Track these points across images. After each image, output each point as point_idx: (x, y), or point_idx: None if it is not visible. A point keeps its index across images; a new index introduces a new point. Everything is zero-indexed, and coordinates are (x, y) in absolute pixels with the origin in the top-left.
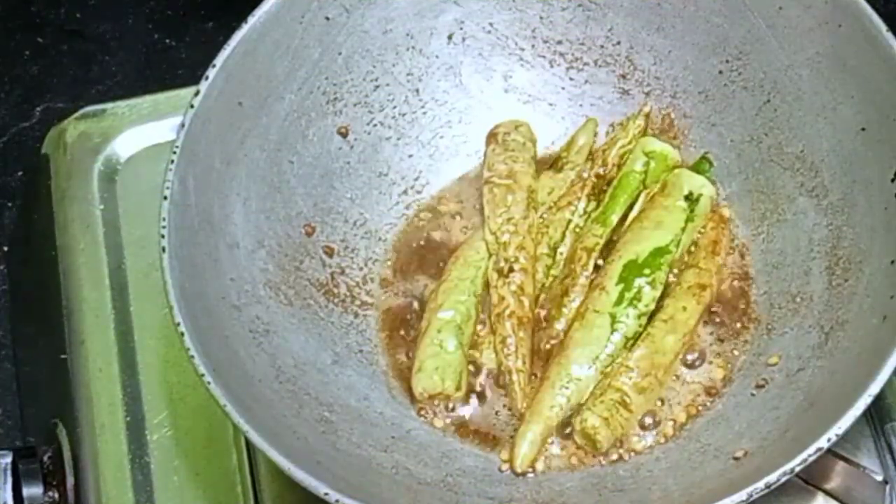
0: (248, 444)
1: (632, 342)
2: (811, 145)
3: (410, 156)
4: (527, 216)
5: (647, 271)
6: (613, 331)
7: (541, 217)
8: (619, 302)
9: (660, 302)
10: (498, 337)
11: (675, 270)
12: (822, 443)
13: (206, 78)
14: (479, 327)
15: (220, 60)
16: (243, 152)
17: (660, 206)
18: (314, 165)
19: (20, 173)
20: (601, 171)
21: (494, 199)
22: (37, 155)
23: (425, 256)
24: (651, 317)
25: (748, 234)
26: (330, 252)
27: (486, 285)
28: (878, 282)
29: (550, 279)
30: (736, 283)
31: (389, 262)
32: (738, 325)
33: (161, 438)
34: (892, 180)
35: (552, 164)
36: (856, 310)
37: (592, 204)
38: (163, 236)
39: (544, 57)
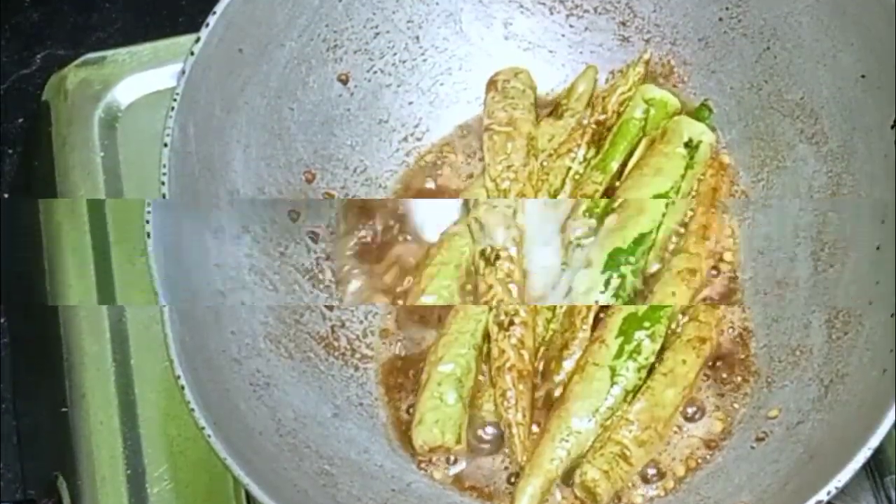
0: (249, 497)
1: (632, 395)
2: (811, 92)
3: (410, 103)
4: (527, 163)
5: (646, 324)
6: (613, 384)
7: (541, 164)
8: (618, 355)
9: (660, 355)
10: (498, 390)
11: (677, 323)
12: (822, 496)
13: (207, 25)
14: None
15: (220, 7)
16: (244, 99)
17: (659, 153)
18: (314, 112)
19: (21, 120)
20: (601, 118)
21: (494, 147)
22: (37, 102)
23: (425, 309)
24: (651, 370)
25: (748, 181)
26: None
27: (487, 338)
28: (877, 335)
29: (550, 332)
30: (736, 336)
31: (389, 314)
32: (738, 378)
33: (161, 491)
34: (892, 127)
35: (552, 111)
36: (855, 363)
37: (592, 151)
38: (163, 183)
39: (544, 4)
